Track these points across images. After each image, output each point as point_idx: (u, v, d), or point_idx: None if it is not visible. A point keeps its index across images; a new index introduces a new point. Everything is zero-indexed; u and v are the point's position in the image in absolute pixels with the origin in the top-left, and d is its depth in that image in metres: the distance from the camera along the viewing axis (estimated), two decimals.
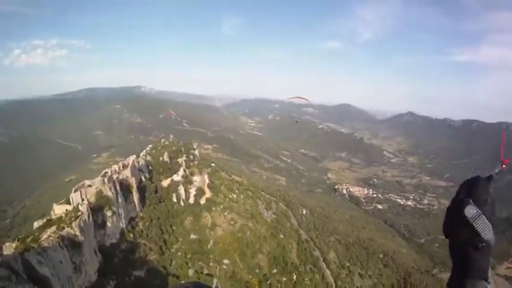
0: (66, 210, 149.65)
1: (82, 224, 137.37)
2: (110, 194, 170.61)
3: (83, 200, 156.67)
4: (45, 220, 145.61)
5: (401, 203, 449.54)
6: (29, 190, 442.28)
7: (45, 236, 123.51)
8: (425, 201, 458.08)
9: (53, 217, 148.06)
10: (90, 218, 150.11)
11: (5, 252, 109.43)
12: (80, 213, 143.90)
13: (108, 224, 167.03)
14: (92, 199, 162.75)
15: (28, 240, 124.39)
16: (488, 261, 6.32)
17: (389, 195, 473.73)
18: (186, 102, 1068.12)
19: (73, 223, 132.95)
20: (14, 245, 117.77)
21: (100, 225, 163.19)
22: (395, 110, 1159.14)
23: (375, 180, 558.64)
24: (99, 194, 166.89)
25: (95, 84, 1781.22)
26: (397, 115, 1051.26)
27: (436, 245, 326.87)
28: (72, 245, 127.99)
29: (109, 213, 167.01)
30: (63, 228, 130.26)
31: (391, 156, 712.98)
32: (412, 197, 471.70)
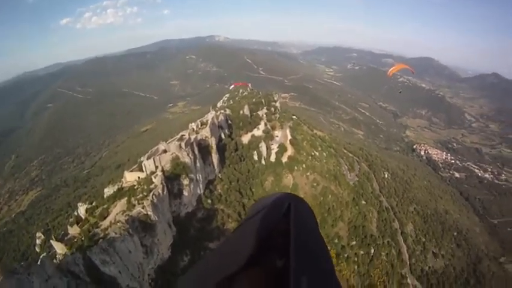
0: (139, 178, 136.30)
1: (155, 200, 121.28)
2: (187, 160, 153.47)
3: (157, 167, 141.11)
4: (115, 188, 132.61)
5: (479, 174, 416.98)
6: (106, 141, 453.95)
7: (113, 216, 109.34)
8: (503, 177, 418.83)
9: (124, 185, 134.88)
10: (165, 190, 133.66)
11: (70, 232, 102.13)
12: (153, 185, 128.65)
13: (185, 192, 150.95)
14: (167, 166, 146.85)
15: (97, 212, 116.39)
16: None
17: (468, 163, 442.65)
18: (261, 50, 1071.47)
19: (145, 201, 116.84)
20: (77, 229, 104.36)
21: (176, 194, 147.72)
22: (479, 69, 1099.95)
23: (454, 144, 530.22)
24: (175, 160, 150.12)
25: (167, 37, 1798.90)
26: (480, 75, 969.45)
27: (509, 229, 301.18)
28: (144, 226, 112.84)
29: (186, 182, 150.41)
30: (134, 206, 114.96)
31: (472, 119, 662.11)
32: (490, 169, 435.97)
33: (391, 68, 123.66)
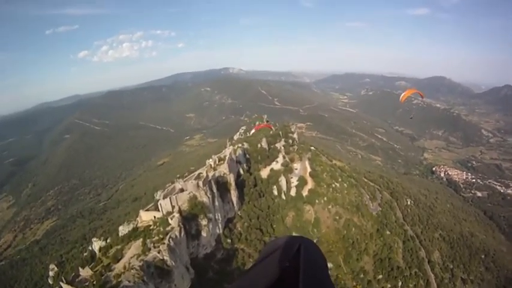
0: (155, 217, 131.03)
1: (172, 244, 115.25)
2: (205, 199, 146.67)
3: (173, 207, 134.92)
4: (130, 227, 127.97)
5: (502, 191, 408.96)
6: (122, 174, 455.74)
7: (127, 259, 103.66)
8: None
9: (140, 224, 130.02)
10: (182, 232, 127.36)
11: (82, 274, 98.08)
12: (169, 227, 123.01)
13: (203, 233, 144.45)
14: (184, 206, 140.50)
15: (111, 252, 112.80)
16: None
17: (489, 181, 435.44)
18: (275, 81, 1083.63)
19: (161, 245, 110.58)
20: (89, 271, 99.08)
21: (194, 235, 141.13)
22: (492, 83, 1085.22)
23: (473, 162, 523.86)
24: (193, 200, 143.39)
25: (181, 70, 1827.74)
26: (494, 88, 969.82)
27: None
28: (160, 272, 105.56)
29: (204, 222, 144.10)
30: (149, 249, 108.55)
31: (490, 135, 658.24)
32: None
33: (402, 94, 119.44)
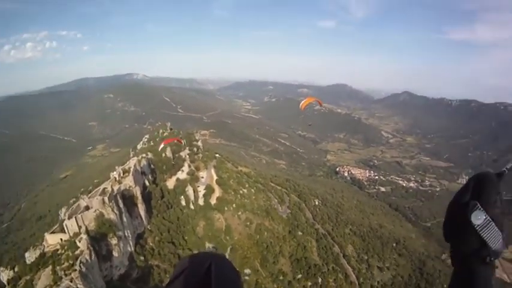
0: (61, 240, 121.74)
1: (84, 269, 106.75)
2: (112, 216, 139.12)
3: (80, 227, 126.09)
4: (37, 253, 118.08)
5: (404, 184, 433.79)
6: (24, 190, 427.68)
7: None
8: (427, 183, 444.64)
9: (47, 249, 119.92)
10: (93, 254, 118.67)
11: None
12: (78, 251, 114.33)
13: (115, 253, 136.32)
14: (92, 225, 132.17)
15: (20, 285, 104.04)
16: (494, 276, 5.40)
17: (391, 177, 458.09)
18: (179, 88, 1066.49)
19: (72, 273, 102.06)
20: None
21: (105, 256, 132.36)
22: (391, 90, 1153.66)
23: (375, 161, 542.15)
24: (100, 218, 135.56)
25: (85, 75, 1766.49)
26: (393, 94, 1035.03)
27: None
28: None
29: (114, 241, 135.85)
30: (61, 278, 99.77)
31: (389, 136, 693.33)
32: (413, 179, 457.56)
33: (302, 102, 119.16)
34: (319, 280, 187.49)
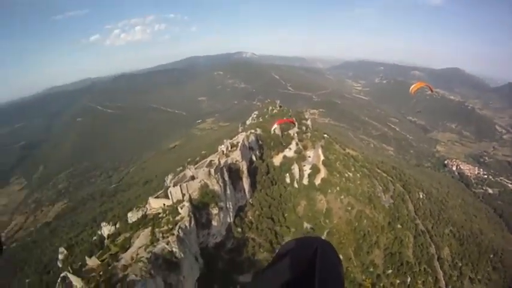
0: (164, 205, 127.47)
1: (182, 234, 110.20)
2: (216, 187, 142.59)
3: (183, 195, 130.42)
4: (139, 214, 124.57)
5: None
6: (134, 157, 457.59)
7: (135, 249, 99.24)
8: None
9: (149, 212, 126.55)
10: (192, 222, 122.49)
11: (89, 263, 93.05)
12: (179, 217, 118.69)
13: (214, 222, 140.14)
14: (195, 194, 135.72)
15: (119, 240, 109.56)
16: None
17: (501, 178, 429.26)
18: (288, 66, 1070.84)
19: (170, 236, 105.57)
20: (96, 261, 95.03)
21: (204, 224, 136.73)
22: (509, 77, 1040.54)
23: (486, 158, 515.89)
24: (204, 188, 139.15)
25: (195, 53, 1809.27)
26: (509, 83, 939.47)
27: None
28: (168, 265, 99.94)
29: (215, 211, 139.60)
30: (158, 240, 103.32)
31: (503, 131, 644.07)
32: None
33: (412, 86, 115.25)
34: (408, 279, 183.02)
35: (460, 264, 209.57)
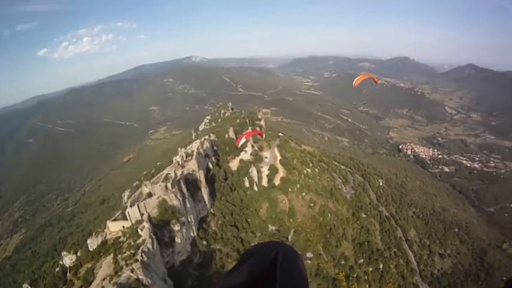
0: (123, 227, 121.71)
1: (145, 259, 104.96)
2: (175, 202, 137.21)
3: (142, 214, 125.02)
4: (99, 240, 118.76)
5: (468, 165, 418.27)
6: (89, 175, 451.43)
7: (99, 281, 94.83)
8: (492, 164, 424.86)
9: (108, 237, 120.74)
10: (155, 243, 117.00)
11: None
12: (140, 240, 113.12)
13: (177, 239, 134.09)
14: (154, 212, 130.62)
15: (81, 272, 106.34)
16: None
17: (455, 156, 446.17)
18: (238, 67, 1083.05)
19: (134, 263, 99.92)
20: None
21: (167, 243, 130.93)
22: (455, 62, 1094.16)
23: (439, 139, 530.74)
24: (163, 205, 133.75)
25: (144, 62, 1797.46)
26: (457, 68, 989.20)
27: (506, 214, 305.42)
28: None
29: (177, 227, 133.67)
30: (121, 268, 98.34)
31: (454, 112, 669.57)
32: (477, 159, 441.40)
33: (356, 79, 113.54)
34: (381, 266, 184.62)
35: (428, 243, 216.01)
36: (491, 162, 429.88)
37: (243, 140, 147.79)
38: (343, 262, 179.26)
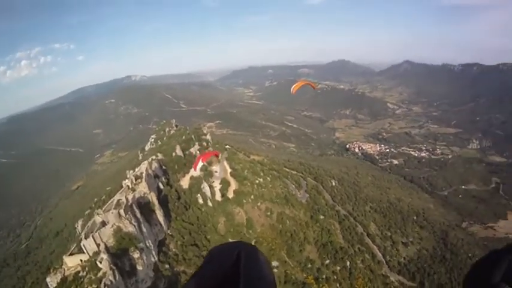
0: (81, 261, 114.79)
1: None
2: (130, 229, 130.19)
3: (98, 245, 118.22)
4: (58, 278, 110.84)
5: (416, 155, 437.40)
6: (38, 207, 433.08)
7: None
8: (438, 151, 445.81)
9: (67, 273, 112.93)
10: (117, 275, 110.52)
11: None
12: (101, 273, 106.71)
13: (139, 267, 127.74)
14: (111, 242, 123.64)
15: None
16: None
17: (402, 148, 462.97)
18: (179, 83, 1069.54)
19: None
20: None
21: (129, 272, 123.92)
22: (392, 61, 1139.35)
23: (384, 134, 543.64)
24: (118, 233, 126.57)
25: (84, 84, 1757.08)
26: (394, 65, 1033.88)
27: (460, 196, 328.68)
28: None
29: (136, 254, 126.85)
30: None
31: (395, 107, 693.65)
32: (424, 148, 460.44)
33: (293, 86, 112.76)
34: (348, 263, 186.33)
35: (390, 234, 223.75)
36: (438, 149, 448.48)
37: (200, 164, 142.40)
38: (309, 265, 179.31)
